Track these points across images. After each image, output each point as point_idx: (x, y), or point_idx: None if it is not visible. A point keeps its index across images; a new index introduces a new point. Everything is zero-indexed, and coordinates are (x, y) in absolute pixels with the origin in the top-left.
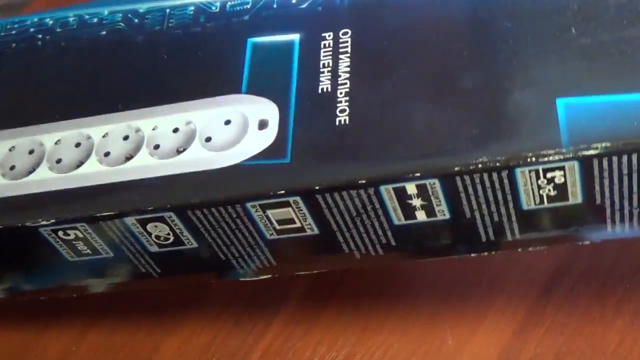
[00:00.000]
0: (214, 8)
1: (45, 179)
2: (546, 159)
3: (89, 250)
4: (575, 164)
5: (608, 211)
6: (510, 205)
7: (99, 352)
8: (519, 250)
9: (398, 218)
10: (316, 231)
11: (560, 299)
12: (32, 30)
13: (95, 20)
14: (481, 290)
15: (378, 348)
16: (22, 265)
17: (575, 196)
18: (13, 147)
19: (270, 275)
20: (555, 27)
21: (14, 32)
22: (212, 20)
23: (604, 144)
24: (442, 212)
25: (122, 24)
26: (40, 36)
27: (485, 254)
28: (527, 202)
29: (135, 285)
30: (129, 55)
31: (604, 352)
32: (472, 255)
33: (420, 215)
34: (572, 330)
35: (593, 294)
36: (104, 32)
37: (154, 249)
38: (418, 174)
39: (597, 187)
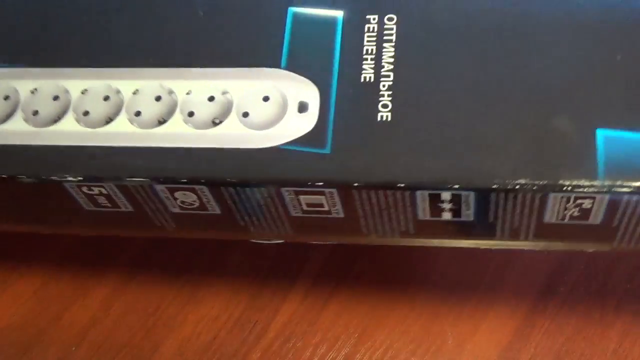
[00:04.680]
0: None
1: (72, 132)
2: (581, 189)
3: (108, 204)
4: (606, 196)
5: (620, 232)
6: (533, 219)
7: (99, 352)
8: (525, 248)
9: (424, 215)
10: (342, 215)
11: (560, 299)
12: None
13: None
14: (481, 290)
15: (378, 348)
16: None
17: (596, 219)
18: (35, 89)
19: (283, 241)
20: (600, 50)
21: None
22: None
23: (638, 184)
24: (468, 215)
25: None
26: None
27: (494, 248)
28: (550, 218)
29: (146, 233)
30: (162, 6)
31: (604, 352)
32: (481, 247)
33: (446, 216)
34: (572, 330)
35: (593, 295)
36: None
37: (176, 210)
38: (457, 186)
39: (619, 215)
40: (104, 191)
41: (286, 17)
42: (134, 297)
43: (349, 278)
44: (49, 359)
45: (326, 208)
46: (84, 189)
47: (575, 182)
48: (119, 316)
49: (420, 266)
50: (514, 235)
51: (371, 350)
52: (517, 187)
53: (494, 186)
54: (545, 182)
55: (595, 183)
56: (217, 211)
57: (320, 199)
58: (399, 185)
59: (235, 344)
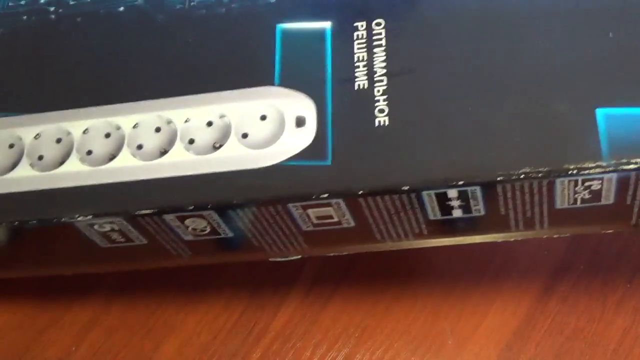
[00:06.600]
0: None
1: (77, 172)
2: (587, 171)
3: (122, 239)
4: (614, 175)
5: (636, 209)
6: (545, 206)
7: (99, 352)
8: (544, 237)
9: (434, 214)
10: (352, 224)
11: (560, 298)
12: (42, 1)
13: None
14: (481, 289)
15: (378, 348)
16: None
17: (608, 199)
18: (38, 134)
19: (300, 256)
20: (592, 30)
21: (22, 1)
22: (237, 0)
23: None
24: (478, 210)
25: (141, 0)
26: (52, 9)
27: (512, 240)
28: (561, 203)
29: (163, 263)
30: (150, 37)
31: (604, 352)
32: (499, 241)
33: (457, 213)
34: (572, 330)
35: (593, 293)
36: (121, 9)
37: (189, 238)
38: (461, 182)
39: (630, 192)
40: (115, 227)
41: (275, 34)
42: (134, 297)
43: (349, 278)
44: (48, 359)
45: (336, 219)
46: (96, 227)
47: (580, 165)
48: (119, 316)
49: (420, 266)
50: (529, 225)
51: (371, 350)
52: (522, 176)
53: (499, 178)
54: (550, 168)
55: (601, 163)
56: (230, 234)
57: (329, 210)
58: (403, 188)
59: (235, 344)
